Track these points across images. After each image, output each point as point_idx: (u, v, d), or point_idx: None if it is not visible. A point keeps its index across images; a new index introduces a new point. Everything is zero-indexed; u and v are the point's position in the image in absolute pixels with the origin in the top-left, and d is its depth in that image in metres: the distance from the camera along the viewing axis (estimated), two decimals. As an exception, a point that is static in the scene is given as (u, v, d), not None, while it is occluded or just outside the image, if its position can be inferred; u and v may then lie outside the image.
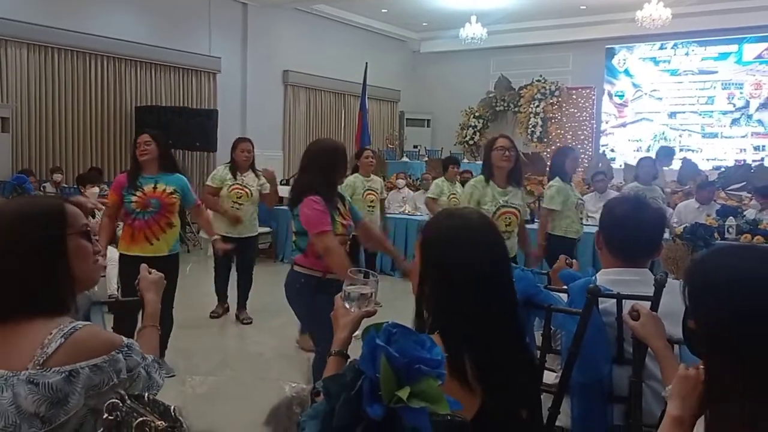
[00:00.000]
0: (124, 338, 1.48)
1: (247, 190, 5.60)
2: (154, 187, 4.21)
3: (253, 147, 5.72)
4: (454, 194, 6.95)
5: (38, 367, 1.33)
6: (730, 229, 6.37)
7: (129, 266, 4.05)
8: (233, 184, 5.59)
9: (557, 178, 5.13)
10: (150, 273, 1.91)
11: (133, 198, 4.18)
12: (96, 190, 7.08)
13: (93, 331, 1.43)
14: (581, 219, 5.42)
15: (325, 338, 3.16)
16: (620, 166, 11.51)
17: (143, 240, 4.17)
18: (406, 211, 8.36)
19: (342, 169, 3.40)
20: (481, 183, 4.20)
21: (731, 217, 6.53)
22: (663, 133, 12.78)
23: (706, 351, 1.18)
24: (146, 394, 1.25)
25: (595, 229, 6.53)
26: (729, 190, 9.08)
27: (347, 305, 1.62)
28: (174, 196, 4.26)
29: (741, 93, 12.12)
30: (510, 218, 4.18)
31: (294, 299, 3.35)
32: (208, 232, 4.85)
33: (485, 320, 1.45)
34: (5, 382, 1.33)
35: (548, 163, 7.07)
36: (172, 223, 4.28)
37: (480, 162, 4.87)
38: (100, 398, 1.34)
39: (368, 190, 6.08)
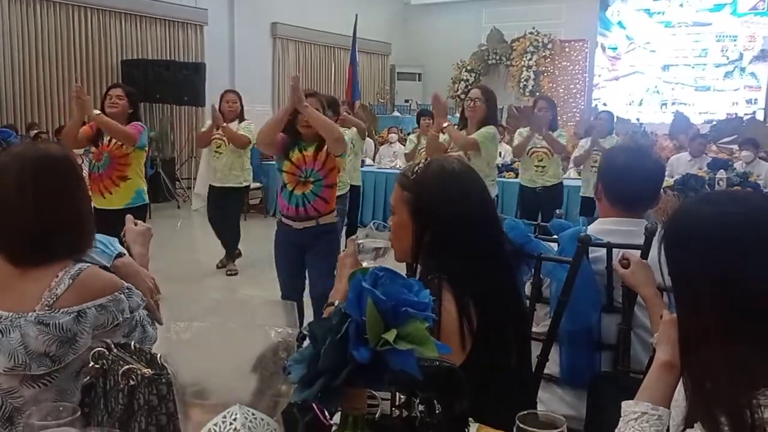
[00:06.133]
0: (124, 281, 1.53)
1: (225, 139, 5.59)
2: (109, 141, 4.22)
3: (239, 98, 5.71)
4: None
5: (47, 309, 1.38)
6: (721, 182, 6.39)
7: None
8: (214, 135, 5.61)
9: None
10: (136, 224, 1.88)
11: (92, 151, 4.26)
12: (82, 144, 6.97)
13: (97, 271, 1.48)
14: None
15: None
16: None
17: (97, 192, 4.19)
18: (398, 166, 8.32)
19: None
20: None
21: (722, 170, 6.56)
22: (656, 87, 12.69)
23: (676, 298, 1.17)
24: (132, 343, 1.24)
25: (581, 183, 6.52)
26: (720, 143, 9.07)
27: (363, 263, 1.61)
28: (124, 147, 4.20)
29: (735, 45, 12.00)
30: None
31: None
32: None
33: (488, 261, 1.55)
34: (11, 323, 1.37)
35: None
36: (125, 176, 4.24)
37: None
38: (104, 338, 1.37)
39: None
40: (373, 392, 1.00)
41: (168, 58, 10.20)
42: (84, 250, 1.52)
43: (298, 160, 3.44)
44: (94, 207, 3.99)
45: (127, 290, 1.49)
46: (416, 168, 1.63)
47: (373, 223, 1.66)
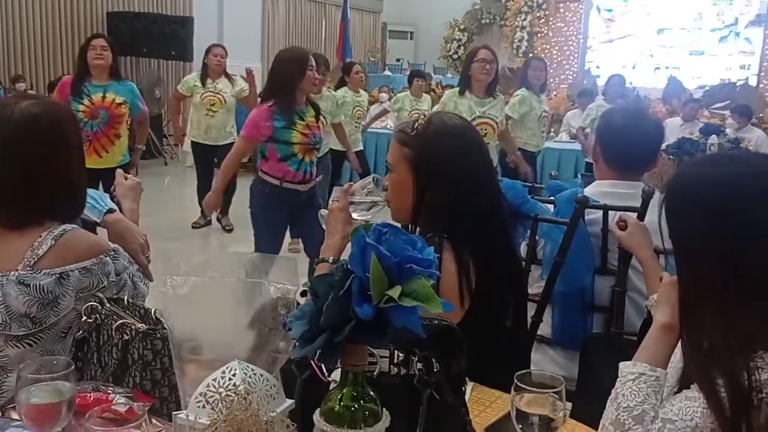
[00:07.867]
0: (110, 243, 1.49)
1: (219, 96, 5.52)
2: (103, 97, 4.11)
3: (226, 53, 5.62)
4: (417, 111, 6.54)
5: (28, 269, 1.34)
6: (712, 148, 6.39)
7: None
8: (205, 92, 5.50)
9: (523, 88, 5.20)
10: (126, 179, 1.85)
11: (80, 107, 4.06)
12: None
13: (81, 233, 1.44)
14: (543, 132, 5.52)
15: (259, 243, 3.46)
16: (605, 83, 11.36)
17: (92, 152, 4.06)
18: (388, 126, 8.24)
19: (300, 76, 3.32)
20: (455, 95, 4.30)
21: (714, 136, 6.55)
22: (650, 51, 12.59)
23: (677, 261, 1.16)
24: (125, 297, 1.23)
25: (575, 146, 6.51)
26: (713, 108, 9.05)
27: (354, 214, 1.57)
28: (123, 107, 4.18)
29: (731, 9, 11.89)
30: (486, 129, 4.19)
31: (251, 201, 3.52)
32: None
33: (488, 220, 1.53)
34: None
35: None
36: (119, 134, 4.23)
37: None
38: (90, 301, 1.33)
39: (357, 106, 5.94)
40: (372, 350, 0.99)
41: (155, 11, 9.96)
42: (72, 216, 1.48)
43: (304, 129, 3.39)
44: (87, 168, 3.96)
45: (113, 252, 1.45)
46: (416, 124, 1.59)
47: (374, 178, 1.61)
